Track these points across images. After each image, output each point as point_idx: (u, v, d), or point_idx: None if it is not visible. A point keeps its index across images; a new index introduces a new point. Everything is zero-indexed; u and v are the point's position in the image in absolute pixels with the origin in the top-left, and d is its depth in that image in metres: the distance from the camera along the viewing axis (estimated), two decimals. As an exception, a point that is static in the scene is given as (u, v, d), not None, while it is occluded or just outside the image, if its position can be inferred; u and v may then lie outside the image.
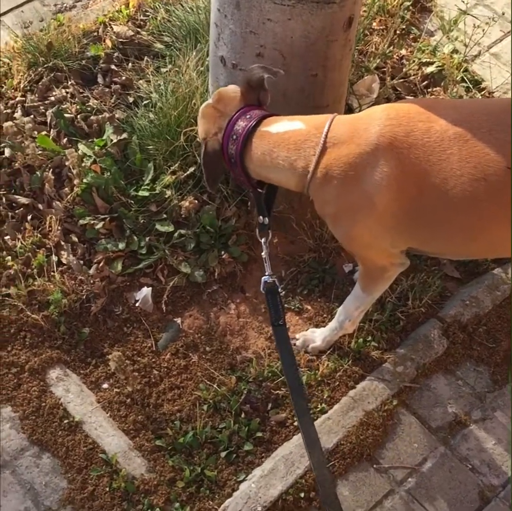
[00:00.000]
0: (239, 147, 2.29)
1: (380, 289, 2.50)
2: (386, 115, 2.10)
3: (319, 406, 2.61)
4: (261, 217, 2.38)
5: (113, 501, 2.39)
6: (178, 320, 2.82)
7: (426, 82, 3.49)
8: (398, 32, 3.65)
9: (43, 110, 3.20)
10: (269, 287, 2.34)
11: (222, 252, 2.93)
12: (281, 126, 2.26)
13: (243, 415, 2.57)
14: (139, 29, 3.47)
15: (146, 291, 2.83)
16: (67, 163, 2.95)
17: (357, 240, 2.26)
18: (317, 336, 2.74)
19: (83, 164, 2.99)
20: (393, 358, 2.71)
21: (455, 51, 3.61)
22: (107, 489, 2.41)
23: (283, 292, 2.91)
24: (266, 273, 2.37)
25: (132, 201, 2.96)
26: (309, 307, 2.90)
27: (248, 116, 2.30)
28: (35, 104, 3.21)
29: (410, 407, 2.63)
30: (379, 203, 2.10)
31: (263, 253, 2.39)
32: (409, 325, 2.81)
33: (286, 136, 2.24)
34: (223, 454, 2.50)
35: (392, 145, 2.05)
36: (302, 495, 2.42)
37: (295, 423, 2.56)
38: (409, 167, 2.05)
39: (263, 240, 2.39)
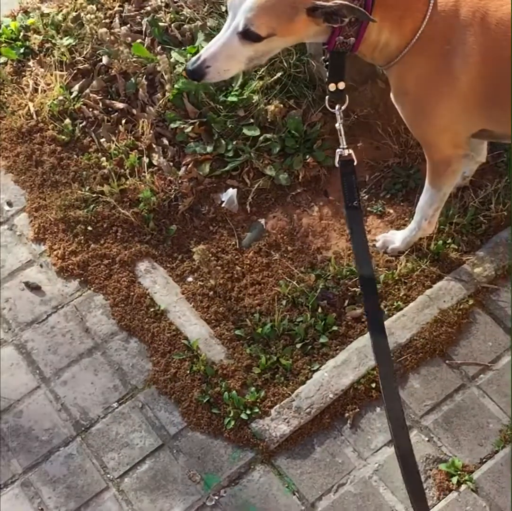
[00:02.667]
0: (369, 2, 2.01)
1: (448, 184, 2.50)
2: None
3: (395, 303, 2.67)
4: (333, 84, 2.20)
5: (193, 382, 2.55)
6: (262, 221, 2.92)
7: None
8: None
9: (139, 19, 3.32)
10: (343, 161, 2.18)
11: (307, 156, 2.99)
12: None
13: (320, 310, 2.66)
14: None
15: (231, 192, 2.94)
16: (159, 69, 3.06)
17: (436, 123, 2.24)
18: (397, 237, 2.78)
19: (175, 71, 3.10)
20: (472, 260, 2.72)
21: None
22: (188, 372, 2.56)
23: (367, 196, 2.96)
24: (341, 146, 2.19)
25: (221, 107, 3.06)
26: (391, 211, 2.93)
27: None
28: (132, 13, 3.34)
29: (486, 307, 2.65)
30: (465, 80, 2.09)
31: (337, 124, 2.22)
32: (491, 228, 2.80)
33: None
34: (298, 345, 2.60)
35: (482, 20, 2.03)
36: (373, 385, 2.51)
37: (370, 319, 2.63)
38: (493, 43, 2.03)
39: (336, 108, 2.21)
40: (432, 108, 2.21)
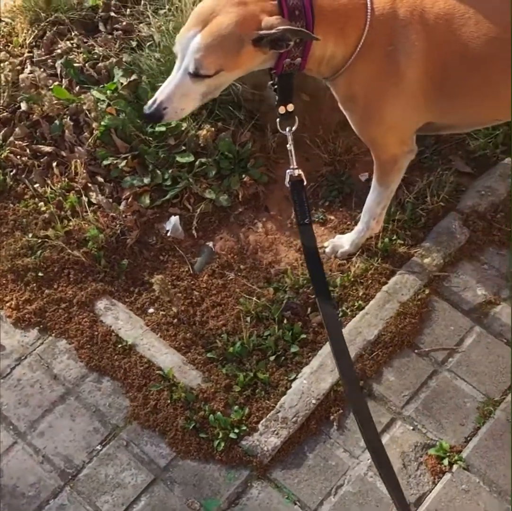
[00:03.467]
0: (309, 19, 2.08)
1: (395, 180, 2.61)
2: None
3: (355, 303, 2.75)
4: (282, 107, 2.28)
5: (175, 411, 2.53)
6: (210, 244, 2.95)
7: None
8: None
9: (51, 63, 3.31)
10: (294, 180, 2.27)
11: (243, 175, 3.04)
12: None
13: (285, 321, 2.70)
14: (131, -25, 3.56)
15: (174, 219, 2.96)
16: (85, 108, 3.05)
17: (385, 123, 2.34)
18: (345, 241, 2.87)
19: (99, 109, 3.09)
20: (420, 251, 2.84)
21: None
22: (169, 401, 2.55)
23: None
24: (291, 166, 2.27)
25: (150, 138, 3.07)
26: (332, 217, 3.02)
27: None
28: (43, 58, 3.33)
29: (441, 294, 2.77)
30: (411, 77, 2.20)
31: (288, 145, 2.30)
32: (431, 220, 2.94)
33: (339, 2, 2.13)
34: (272, 358, 2.64)
35: (421, 17, 2.15)
36: (351, 384, 2.57)
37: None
38: (434, 37, 2.15)
39: (288, 129, 2.29)
40: (382, 108, 2.31)
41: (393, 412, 2.54)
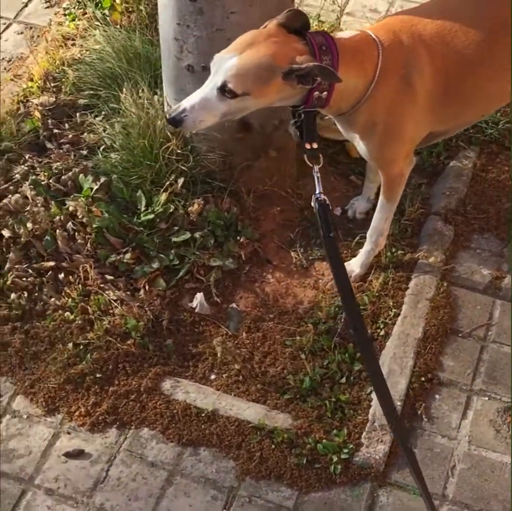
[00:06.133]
0: (335, 55, 2.34)
1: (400, 193, 2.92)
2: (401, 19, 2.57)
3: (390, 313, 2.99)
4: (308, 144, 2.45)
5: (283, 453, 2.63)
6: (234, 305, 3.10)
7: None
8: None
9: (14, 189, 3.35)
10: (320, 202, 2.41)
11: (238, 238, 3.24)
12: (345, 33, 2.49)
13: (338, 347, 2.90)
14: (56, 94, 3.71)
15: (199, 296, 3.07)
16: (78, 214, 3.14)
17: (403, 140, 2.65)
18: (354, 265, 3.12)
19: (91, 214, 3.18)
20: (422, 254, 3.15)
21: None
22: (272, 446, 2.64)
23: (302, 250, 3.27)
24: (317, 191, 2.42)
25: (141, 228, 3.20)
26: (328, 252, 3.28)
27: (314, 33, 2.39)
28: (2, 187, 3.36)
29: (456, 283, 3.09)
30: (424, 91, 2.52)
31: (314, 173, 2.44)
32: (416, 228, 3.27)
33: (354, 40, 2.43)
34: (342, 381, 2.82)
35: (420, 39, 2.50)
36: (423, 379, 2.80)
37: (382, 332, 2.94)
38: (435, 53, 2.51)
39: (316, 167, 2.44)
40: (403, 126, 2.62)
41: (466, 390, 2.80)
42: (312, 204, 2.48)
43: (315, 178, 2.50)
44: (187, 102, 2.40)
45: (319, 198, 2.47)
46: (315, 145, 2.51)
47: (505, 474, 2.60)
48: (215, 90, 2.36)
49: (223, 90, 2.34)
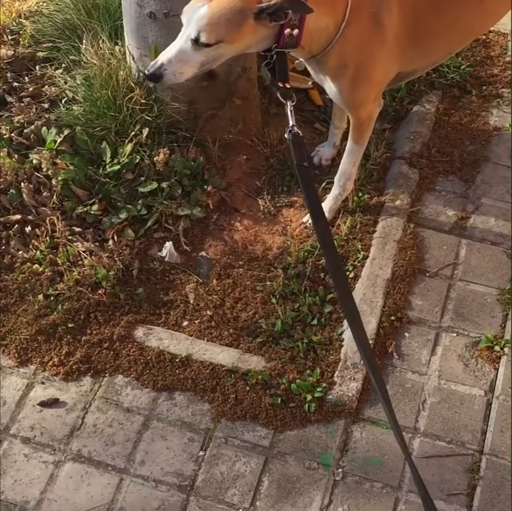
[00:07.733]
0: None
1: (368, 136, 2.94)
2: None
3: (358, 255, 3.03)
4: (281, 83, 2.43)
5: (258, 394, 2.67)
6: (203, 253, 3.11)
7: None
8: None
9: (-25, 143, 3.31)
10: (294, 134, 2.35)
11: (205, 187, 3.24)
12: None
13: (308, 290, 2.93)
14: (14, 47, 3.65)
15: (168, 245, 3.08)
16: (43, 166, 3.11)
17: (373, 81, 2.66)
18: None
19: (45, 170, 3.15)
20: (388, 198, 3.19)
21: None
22: (247, 388, 2.68)
23: (269, 197, 3.29)
24: (290, 124, 2.37)
25: (108, 179, 3.18)
26: (295, 198, 3.29)
27: None
28: (-35, 141, 3.31)
29: (423, 225, 3.14)
30: (393, 31, 2.53)
31: (287, 108, 2.41)
32: (381, 172, 3.30)
33: None
34: (313, 322, 2.85)
35: None
36: (393, 318, 2.85)
37: (351, 274, 2.98)
38: None
39: (289, 103, 2.41)
40: (374, 66, 2.63)
41: (435, 328, 2.85)
42: (285, 136, 2.44)
43: (288, 112, 2.45)
44: (164, 57, 2.39)
45: (293, 131, 2.44)
46: (287, 85, 2.49)
47: (474, 405, 2.66)
48: (189, 41, 2.36)
49: (197, 40, 2.34)
